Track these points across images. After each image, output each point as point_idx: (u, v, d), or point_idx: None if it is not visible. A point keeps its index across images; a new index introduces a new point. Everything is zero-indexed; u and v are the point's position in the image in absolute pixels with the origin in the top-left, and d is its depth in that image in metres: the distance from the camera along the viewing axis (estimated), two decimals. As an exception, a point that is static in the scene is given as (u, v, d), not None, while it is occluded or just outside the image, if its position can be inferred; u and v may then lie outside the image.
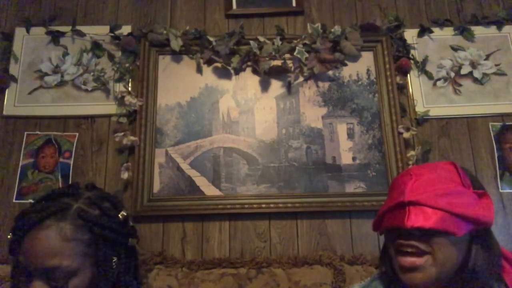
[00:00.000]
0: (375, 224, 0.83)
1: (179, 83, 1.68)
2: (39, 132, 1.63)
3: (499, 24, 1.76)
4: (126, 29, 1.72)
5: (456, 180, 0.75)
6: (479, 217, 0.70)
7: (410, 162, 1.56)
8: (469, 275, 0.71)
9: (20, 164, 1.58)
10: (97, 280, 0.76)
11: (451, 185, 0.74)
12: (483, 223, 0.72)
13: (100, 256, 0.76)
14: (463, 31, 1.75)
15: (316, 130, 1.64)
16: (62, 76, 1.68)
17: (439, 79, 1.71)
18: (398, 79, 1.68)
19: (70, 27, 1.72)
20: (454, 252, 0.71)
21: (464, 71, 1.71)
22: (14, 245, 0.74)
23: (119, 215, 0.83)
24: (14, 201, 1.54)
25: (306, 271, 1.39)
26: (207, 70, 1.70)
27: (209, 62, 1.69)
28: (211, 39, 1.68)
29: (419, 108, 1.67)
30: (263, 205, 1.53)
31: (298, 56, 1.65)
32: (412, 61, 1.71)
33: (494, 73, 1.71)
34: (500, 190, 1.58)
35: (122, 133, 1.55)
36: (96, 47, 1.71)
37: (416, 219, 0.69)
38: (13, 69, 1.68)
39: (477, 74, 1.70)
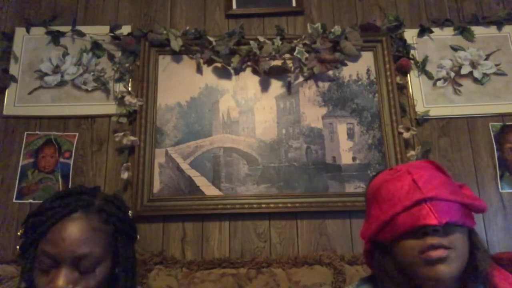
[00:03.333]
0: (370, 234, 0.79)
1: (179, 83, 1.68)
2: (39, 132, 1.63)
3: (499, 24, 1.76)
4: (126, 29, 1.72)
5: (445, 174, 0.77)
6: (481, 205, 0.72)
7: (410, 162, 1.57)
8: (472, 270, 0.72)
9: (20, 164, 1.58)
10: (113, 271, 0.82)
11: (449, 179, 0.75)
12: (482, 210, 0.74)
13: (121, 248, 0.82)
14: (463, 31, 1.75)
15: (316, 130, 1.64)
16: (62, 76, 1.68)
17: (439, 79, 1.71)
18: (398, 79, 1.68)
19: (70, 27, 1.72)
20: (467, 245, 0.72)
21: (464, 71, 1.71)
22: (36, 238, 0.76)
23: (129, 212, 0.89)
24: (14, 201, 1.54)
25: (306, 271, 1.39)
26: (207, 70, 1.70)
27: (209, 62, 1.69)
28: (211, 39, 1.68)
29: (419, 108, 1.67)
30: (263, 205, 1.53)
31: (298, 56, 1.65)
32: (412, 61, 1.71)
33: (494, 73, 1.71)
34: (500, 190, 1.58)
35: (122, 133, 1.55)
36: (96, 47, 1.71)
37: (443, 214, 0.67)
38: (13, 69, 1.68)
39: (477, 74, 1.70)
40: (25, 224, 0.79)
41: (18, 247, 0.77)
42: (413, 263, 0.72)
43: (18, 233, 0.77)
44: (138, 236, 0.90)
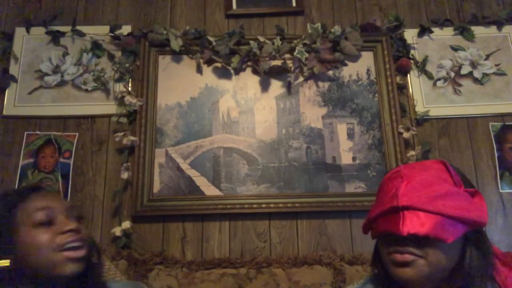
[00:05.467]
0: (364, 227, 0.81)
1: (179, 83, 1.68)
2: (39, 132, 1.63)
3: (499, 24, 1.76)
4: (126, 29, 1.72)
5: (447, 180, 0.74)
6: (474, 219, 0.69)
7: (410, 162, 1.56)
8: (463, 276, 0.71)
9: (20, 164, 1.58)
10: None
11: (443, 185, 0.72)
12: (478, 224, 0.70)
13: None
14: (463, 31, 1.75)
15: (316, 130, 1.64)
16: (62, 76, 1.68)
17: (439, 79, 1.71)
18: (398, 79, 1.68)
19: (70, 27, 1.72)
20: (447, 255, 0.70)
21: (464, 71, 1.71)
22: (14, 203, 0.78)
23: None
24: (14, 201, 1.54)
25: (306, 271, 1.39)
26: (207, 70, 1.70)
27: (209, 62, 1.69)
28: (211, 39, 1.67)
29: (419, 108, 1.67)
30: (263, 205, 1.53)
31: (298, 56, 1.65)
32: (412, 61, 1.71)
33: (494, 73, 1.71)
34: (500, 190, 1.58)
35: (122, 133, 1.55)
36: (96, 47, 1.71)
37: (412, 225, 0.68)
38: (13, 69, 1.68)
39: (477, 74, 1.70)
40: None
41: None
42: (386, 261, 0.75)
43: None
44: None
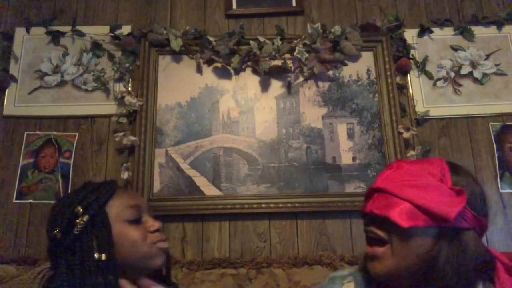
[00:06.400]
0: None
1: (179, 83, 1.68)
2: (39, 132, 1.63)
3: (499, 24, 1.76)
4: (126, 29, 1.72)
5: (434, 174, 0.74)
6: (438, 212, 0.68)
7: (410, 162, 1.56)
8: (435, 275, 0.70)
9: (20, 164, 1.58)
10: None
11: (426, 178, 0.73)
12: (441, 218, 0.69)
13: None
14: (463, 31, 1.75)
15: (316, 130, 1.64)
16: (62, 76, 1.68)
17: (439, 79, 1.71)
18: (398, 79, 1.68)
19: (70, 27, 1.72)
20: (413, 245, 0.70)
21: (464, 71, 1.71)
22: (104, 202, 0.84)
23: None
24: (14, 201, 1.54)
25: (306, 271, 1.39)
26: (207, 70, 1.70)
27: (209, 62, 1.69)
28: (211, 39, 1.67)
29: (419, 108, 1.67)
30: (263, 205, 1.53)
31: (298, 56, 1.65)
32: (412, 61, 1.71)
33: (494, 73, 1.71)
34: (500, 190, 1.58)
35: (122, 133, 1.55)
36: (96, 47, 1.71)
37: (375, 205, 0.72)
38: (13, 69, 1.68)
39: (477, 74, 1.70)
40: (82, 203, 0.83)
41: (81, 220, 0.80)
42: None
43: (55, 232, 0.80)
44: None
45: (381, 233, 0.72)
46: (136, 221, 0.85)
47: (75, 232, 0.79)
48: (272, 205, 1.53)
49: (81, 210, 0.80)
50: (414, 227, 0.69)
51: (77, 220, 0.79)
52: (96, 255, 0.77)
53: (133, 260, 0.82)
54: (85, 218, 0.80)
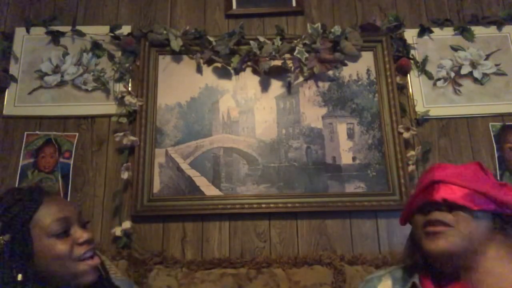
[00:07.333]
0: (403, 217, 0.88)
1: (179, 83, 1.68)
2: (39, 132, 1.63)
3: (499, 24, 1.76)
4: (126, 29, 1.72)
5: (479, 172, 0.82)
6: (502, 198, 0.76)
7: (410, 162, 1.57)
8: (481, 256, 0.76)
9: (20, 164, 1.58)
10: None
11: (475, 173, 0.81)
12: (505, 205, 0.77)
13: None
14: (463, 31, 1.75)
15: (316, 130, 1.64)
16: (62, 76, 1.68)
17: (439, 79, 1.71)
18: (398, 79, 1.68)
19: (70, 27, 1.72)
20: (476, 229, 0.76)
21: (464, 71, 1.71)
22: (27, 218, 0.77)
23: None
24: (14, 201, 1.54)
25: (306, 271, 1.39)
26: (207, 70, 1.70)
27: (209, 62, 1.69)
28: (211, 39, 1.68)
29: (419, 108, 1.67)
30: (263, 205, 1.53)
31: (298, 56, 1.65)
32: (412, 61, 1.71)
33: (494, 73, 1.71)
34: (500, 190, 1.58)
35: (122, 133, 1.55)
36: (96, 47, 1.71)
37: (444, 192, 0.77)
38: (13, 69, 1.68)
39: (477, 74, 1.70)
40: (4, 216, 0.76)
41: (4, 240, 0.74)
42: (419, 237, 0.81)
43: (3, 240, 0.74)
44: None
45: (446, 219, 0.77)
46: (65, 233, 0.78)
47: None
48: (272, 205, 1.53)
49: (1, 228, 0.74)
50: (481, 210, 0.76)
51: None
52: (17, 276, 0.71)
53: (62, 276, 0.77)
54: (6, 237, 0.74)
